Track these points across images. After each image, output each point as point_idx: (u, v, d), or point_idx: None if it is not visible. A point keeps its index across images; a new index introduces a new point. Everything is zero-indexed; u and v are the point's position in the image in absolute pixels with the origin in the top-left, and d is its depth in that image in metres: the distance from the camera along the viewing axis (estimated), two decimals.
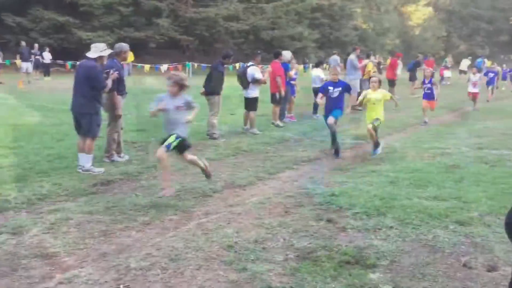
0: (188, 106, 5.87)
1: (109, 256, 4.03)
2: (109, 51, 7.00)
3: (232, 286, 3.54)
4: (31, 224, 4.71)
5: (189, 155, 6.07)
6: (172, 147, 5.70)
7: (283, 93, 11.24)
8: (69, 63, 25.87)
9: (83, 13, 29.59)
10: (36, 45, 23.65)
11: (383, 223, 4.82)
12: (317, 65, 14.03)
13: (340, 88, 8.42)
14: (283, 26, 36.35)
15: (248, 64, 10.68)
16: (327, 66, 21.40)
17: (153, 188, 6.12)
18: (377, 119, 8.26)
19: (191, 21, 32.65)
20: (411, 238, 4.48)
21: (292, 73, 12.19)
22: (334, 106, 8.38)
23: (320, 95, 8.65)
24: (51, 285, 3.51)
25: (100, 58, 6.83)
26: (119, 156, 7.53)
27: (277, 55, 11.56)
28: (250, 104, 10.38)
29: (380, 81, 8.68)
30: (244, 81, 10.33)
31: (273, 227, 4.78)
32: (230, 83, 10.88)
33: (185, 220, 4.99)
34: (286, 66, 11.71)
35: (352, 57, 14.84)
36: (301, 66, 27.03)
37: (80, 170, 6.72)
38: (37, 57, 22.47)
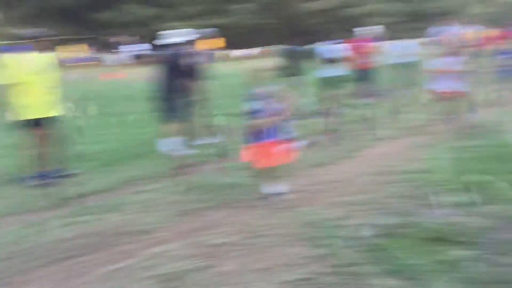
0: None
1: (196, 232, 4.24)
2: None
3: (311, 261, 3.57)
4: (122, 203, 5.07)
5: None
6: None
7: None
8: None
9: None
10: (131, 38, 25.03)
11: (468, 199, 4.57)
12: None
13: None
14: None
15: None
16: None
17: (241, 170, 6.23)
18: None
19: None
20: (497, 215, 4.21)
21: None
22: None
23: None
24: (140, 259, 3.77)
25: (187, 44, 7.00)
26: (205, 139, 7.82)
27: None
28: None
29: None
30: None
31: (354, 203, 4.72)
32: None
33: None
34: None
35: None
36: None
37: (172, 153, 7.05)
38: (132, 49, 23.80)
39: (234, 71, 20.46)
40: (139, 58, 24.28)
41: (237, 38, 31.80)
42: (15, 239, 4.30)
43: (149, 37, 27.70)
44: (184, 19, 30.62)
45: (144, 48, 24.81)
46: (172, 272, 3.50)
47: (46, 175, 5.92)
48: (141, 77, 19.07)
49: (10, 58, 5.53)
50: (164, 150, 7.00)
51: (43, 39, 5.77)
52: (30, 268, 3.74)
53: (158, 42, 7.06)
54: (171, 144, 7.05)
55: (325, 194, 5.12)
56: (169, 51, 7.11)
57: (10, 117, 5.72)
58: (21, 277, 3.61)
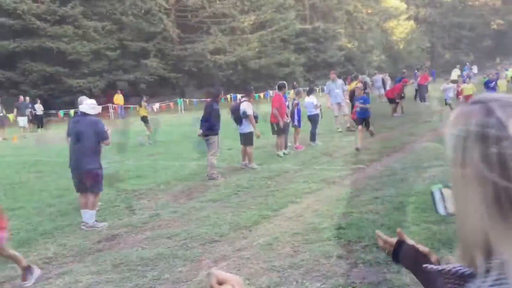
0: None
1: None
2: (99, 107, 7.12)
3: None
4: None
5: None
6: None
7: (281, 123, 11.30)
8: (61, 112, 26.01)
9: (71, 61, 29.92)
10: (27, 98, 23.81)
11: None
12: (310, 92, 14.03)
13: None
14: (270, 54, 36.88)
15: (241, 100, 10.77)
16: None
17: (158, 238, 6.08)
18: None
19: (178, 58, 33.10)
20: None
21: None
22: None
23: None
24: None
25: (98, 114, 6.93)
26: None
27: (281, 87, 11.99)
28: (246, 139, 10.41)
29: None
30: (238, 117, 10.40)
31: (284, 269, 4.74)
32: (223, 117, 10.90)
33: (195, 271, 4.94)
34: (285, 97, 12.01)
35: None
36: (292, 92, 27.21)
37: (84, 227, 6.67)
38: (29, 109, 22.58)
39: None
40: (38, 119, 23.09)
41: (139, 94, 31.62)
42: None
43: (44, 97, 26.61)
44: (86, 76, 29.86)
45: (40, 109, 23.74)
46: None
47: None
48: (43, 141, 18.19)
49: None
50: (88, 222, 6.64)
51: None
52: None
53: (84, 109, 6.90)
54: (88, 216, 6.71)
55: (254, 260, 5.09)
56: (87, 119, 6.94)
57: None
58: None
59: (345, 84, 16.80)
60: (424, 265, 1.00)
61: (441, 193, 1.07)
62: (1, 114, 21.18)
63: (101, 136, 6.75)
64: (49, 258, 5.62)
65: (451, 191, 0.84)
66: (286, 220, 6.48)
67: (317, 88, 23.71)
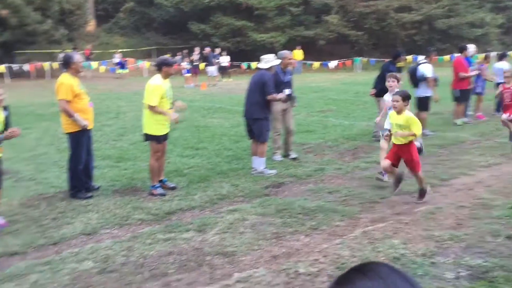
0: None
1: (280, 259, 4.34)
2: (278, 61, 7.44)
3: None
4: (213, 223, 5.29)
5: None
6: None
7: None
8: (244, 64, 27.74)
9: (257, 16, 31.38)
10: (218, 50, 25.84)
11: None
12: (501, 56, 12.67)
13: None
14: (461, 13, 33.62)
15: (420, 61, 10.24)
16: None
17: (320, 192, 6.34)
18: None
19: (360, 15, 32.26)
20: None
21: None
22: None
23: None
24: (230, 282, 3.94)
25: (272, 67, 7.30)
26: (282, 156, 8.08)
27: (462, 49, 11.10)
28: (422, 104, 9.94)
29: None
30: (414, 79, 9.94)
31: (443, 240, 4.61)
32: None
33: (351, 227, 5.09)
34: (469, 61, 11.06)
35: None
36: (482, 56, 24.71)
37: (253, 173, 7.26)
38: (217, 60, 24.54)
39: (328, 84, 20.49)
40: (224, 70, 24.94)
41: (315, 50, 31.78)
42: (117, 252, 4.63)
43: (231, 49, 28.53)
44: (269, 31, 31.11)
45: (226, 60, 25.53)
46: None
47: (158, 186, 6.46)
48: (228, 90, 19.78)
49: (162, 85, 6.30)
50: (257, 169, 7.22)
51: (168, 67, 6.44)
52: (128, 283, 4.03)
53: (259, 65, 7.45)
54: (257, 163, 7.26)
55: (413, 226, 5.02)
56: (257, 73, 7.39)
57: (151, 132, 6.36)
58: None
59: None
60: None
61: None
62: (196, 64, 23.54)
63: (262, 89, 7.13)
64: (223, 195, 6.30)
65: None
66: (454, 192, 6.17)
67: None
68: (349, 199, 6.00)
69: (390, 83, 6.99)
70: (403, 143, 5.82)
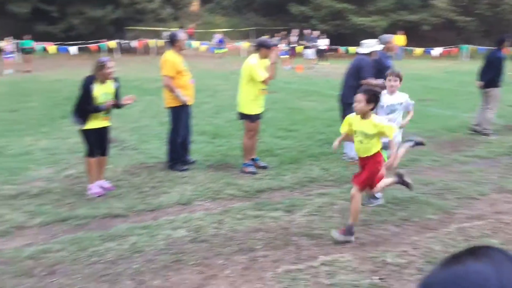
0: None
1: (367, 247, 4.30)
2: (380, 46, 7.19)
3: None
4: (302, 204, 5.34)
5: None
6: None
7: None
8: (342, 48, 27.19)
9: None
10: (316, 32, 25.56)
11: None
12: None
13: None
14: None
15: None
16: None
17: (414, 183, 6.10)
18: None
19: (471, 0, 30.18)
20: None
21: None
22: None
23: None
24: (315, 264, 3.97)
25: (372, 53, 7.08)
26: None
27: None
28: None
29: None
30: None
31: None
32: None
33: (446, 222, 4.88)
34: None
35: None
36: None
37: (345, 158, 7.17)
38: (314, 43, 24.30)
39: (412, 71, 19.61)
40: (321, 53, 24.64)
41: (418, 36, 30.23)
42: (208, 224, 4.85)
43: (329, 32, 28.02)
44: (371, 15, 30.16)
45: (325, 43, 25.13)
46: (349, 285, 3.62)
47: (250, 164, 6.67)
48: (324, 74, 19.57)
49: (258, 64, 6.39)
50: (349, 154, 7.13)
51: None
52: (218, 254, 4.21)
53: (358, 49, 7.26)
54: (349, 148, 7.15)
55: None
56: (357, 58, 7.21)
57: (246, 111, 6.56)
58: (208, 261, 4.09)
59: None
60: None
61: None
62: (294, 45, 23.52)
63: (361, 75, 6.93)
64: (312, 178, 6.32)
65: None
66: None
67: None
68: (445, 193, 5.74)
69: (391, 82, 5.64)
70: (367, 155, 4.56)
